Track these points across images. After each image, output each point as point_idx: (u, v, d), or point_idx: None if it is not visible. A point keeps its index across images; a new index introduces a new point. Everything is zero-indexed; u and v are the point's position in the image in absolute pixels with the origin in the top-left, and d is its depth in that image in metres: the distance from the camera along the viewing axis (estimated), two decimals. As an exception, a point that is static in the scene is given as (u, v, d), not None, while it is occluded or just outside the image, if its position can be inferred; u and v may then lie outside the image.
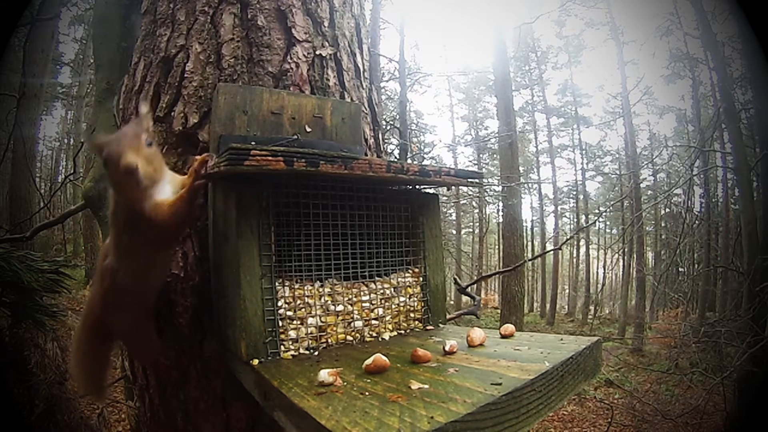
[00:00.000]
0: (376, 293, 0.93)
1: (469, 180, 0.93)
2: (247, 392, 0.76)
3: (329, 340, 0.86)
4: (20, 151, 7.91)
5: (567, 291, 27.26)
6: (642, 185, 17.92)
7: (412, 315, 0.99)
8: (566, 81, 24.55)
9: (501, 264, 13.53)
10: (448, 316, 1.26)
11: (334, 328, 0.87)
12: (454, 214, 23.18)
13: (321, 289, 0.87)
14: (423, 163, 0.86)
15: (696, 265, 17.67)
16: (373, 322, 0.92)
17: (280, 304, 0.81)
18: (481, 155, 24.89)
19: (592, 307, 20.39)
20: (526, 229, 23.89)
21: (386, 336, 0.92)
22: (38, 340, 2.12)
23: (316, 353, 0.81)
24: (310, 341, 0.83)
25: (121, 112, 1.27)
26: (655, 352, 12.51)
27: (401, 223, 1.00)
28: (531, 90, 24.56)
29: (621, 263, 20.37)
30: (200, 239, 1.03)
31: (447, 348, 0.72)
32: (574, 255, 26.35)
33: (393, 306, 0.96)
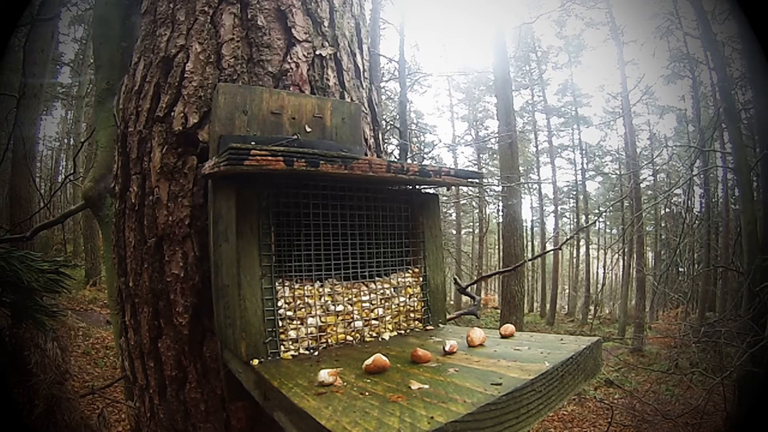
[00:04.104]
0: (376, 293, 0.93)
1: (469, 180, 0.93)
2: (247, 392, 0.76)
3: (329, 340, 0.86)
4: (20, 151, 7.92)
5: (567, 291, 27.28)
6: (642, 185, 17.94)
7: (412, 315, 0.99)
8: (566, 81, 24.62)
9: (501, 264, 13.54)
10: (448, 316, 1.26)
11: (334, 328, 0.87)
12: (454, 214, 23.19)
13: (321, 289, 0.87)
14: (423, 163, 0.86)
15: (696, 265, 17.69)
16: (373, 322, 0.92)
17: (280, 304, 0.81)
18: (481, 155, 24.92)
19: (592, 307, 20.40)
20: (526, 229, 23.92)
21: (386, 336, 0.92)
22: (38, 340, 2.11)
23: (316, 353, 0.81)
24: (310, 341, 0.83)
25: (121, 112, 1.26)
26: (655, 352, 12.52)
27: (401, 223, 0.99)
28: (531, 90, 24.60)
29: (621, 263, 20.39)
30: (200, 239, 1.03)
31: (447, 348, 0.72)
32: (574, 255, 26.38)
33: (393, 306, 0.96)
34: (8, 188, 9.04)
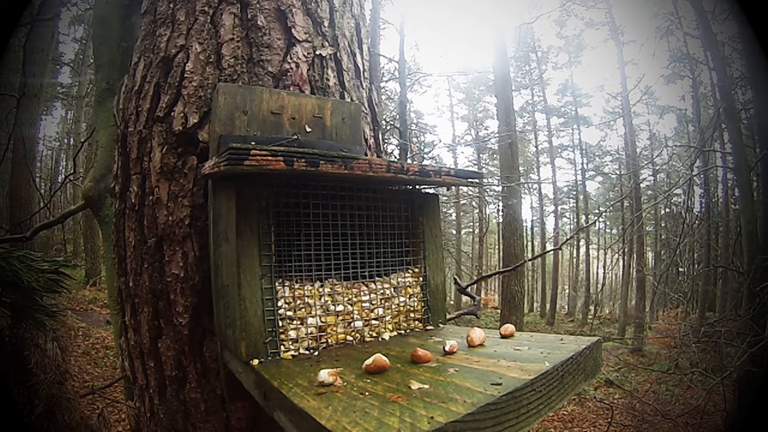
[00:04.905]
0: (376, 293, 0.93)
1: (469, 180, 0.93)
2: (247, 392, 0.76)
3: (329, 340, 0.86)
4: (20, 151, 7.92)
5: (567, 291, 27.28)
6: (642, 185, 17.94)
7: (412, 315, 0.99)
8: (566, 81, 24.64)
9: (501, 264, 13.54)
10: (448, 316, 1.26)
11: (334, 328, 0.87)
12: (454, 214, 23.19)
13: (321, 289, 0.87)
14: (423, 163, 0.86)
15: (696, 265, 17.70)
16: (373, 322, 0.92)
17: (280, 304, 0.81)
18: (481, 155, 24.92)
19: (592, 307, 20.40)
20: (526, 229, 23.92)
21: (386, 336, 0.92)
22: (38, 340, 2.11)
23: (316, 353, 0.81)
24: (310, 341, 0.83)
25: (121, 112, 1.27)
26: (655, 352, 12.52)
27: (401, 223, 0.99)
28: (531, 90, 24.60)
29: (621, 263, 20.39)
30: (200, 239, 1.03)
31: (447, 348, 0.72)
32: (574, 255, 26.38)
33: (393, 306, 0.96)
34: (8, 188, 9.05)
